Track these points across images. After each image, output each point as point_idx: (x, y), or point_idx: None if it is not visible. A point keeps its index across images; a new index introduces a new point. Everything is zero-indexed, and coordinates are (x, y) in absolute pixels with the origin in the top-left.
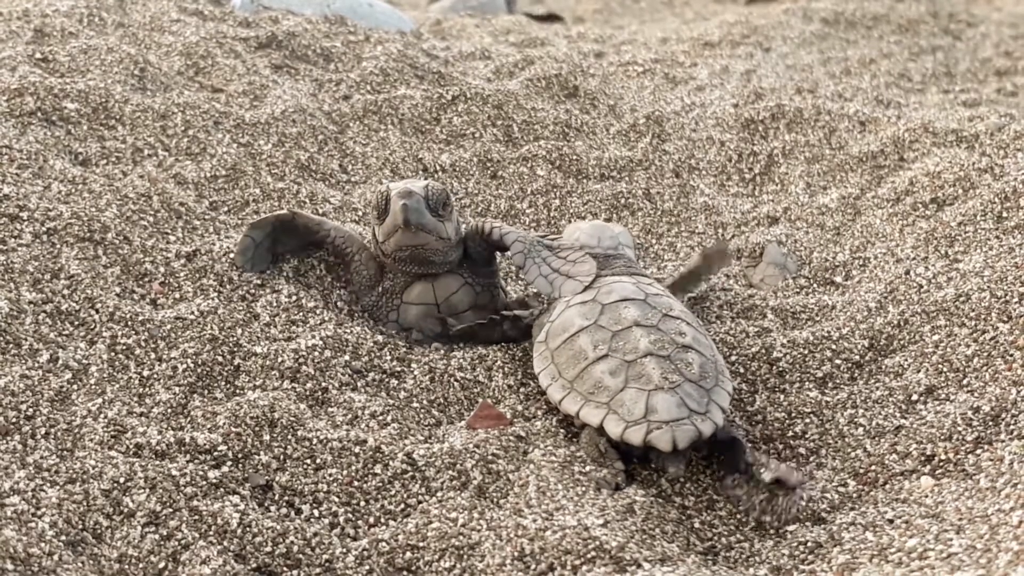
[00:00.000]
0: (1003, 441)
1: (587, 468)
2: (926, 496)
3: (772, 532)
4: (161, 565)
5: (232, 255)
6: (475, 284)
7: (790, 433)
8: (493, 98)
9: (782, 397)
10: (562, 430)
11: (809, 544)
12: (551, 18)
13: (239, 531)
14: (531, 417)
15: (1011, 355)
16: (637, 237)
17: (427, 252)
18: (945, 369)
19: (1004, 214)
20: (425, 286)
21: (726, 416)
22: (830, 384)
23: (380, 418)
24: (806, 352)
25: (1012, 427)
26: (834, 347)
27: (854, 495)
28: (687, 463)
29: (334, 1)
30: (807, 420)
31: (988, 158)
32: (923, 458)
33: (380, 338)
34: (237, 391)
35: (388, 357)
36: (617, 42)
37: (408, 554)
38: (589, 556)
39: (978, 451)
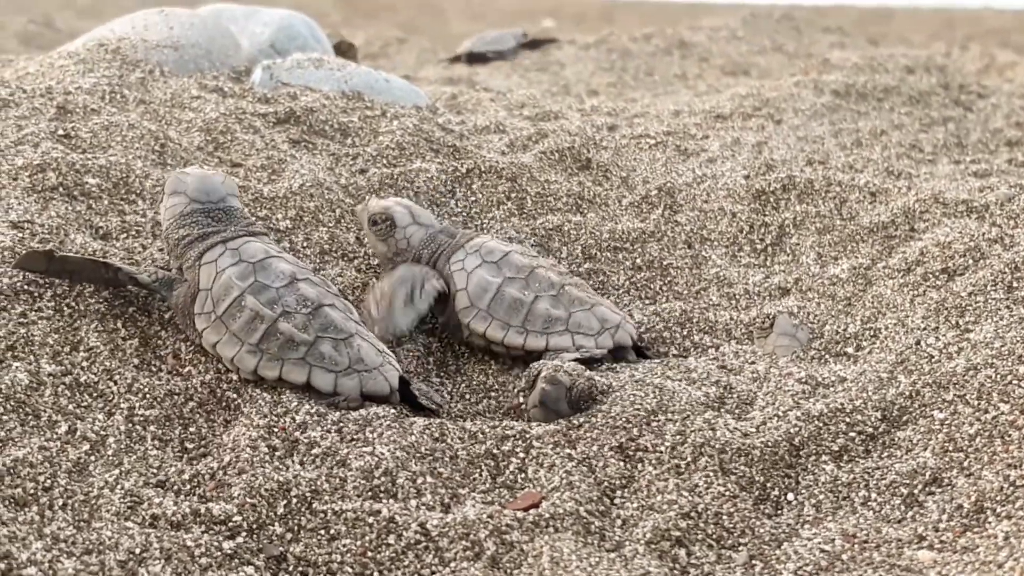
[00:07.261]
0: (991, 523)
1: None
2: (930, 568)
3: None
4: None
5: None
6: None
7: None
8: (507, 171)
9: None
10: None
11: None
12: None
13: None
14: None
15: (1010, 435)
16: (645, 314)
17: None
18: (950, 448)
19: (1014, 284)
20: None
21: None
22: (845, 457)
23: (394, 488)
24: (821, 425)
25: (1000, 511)
26: (848, 420)
27: (844, 556)
28: None
29: (351, 77)
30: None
31: (998, 228)
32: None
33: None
34: None
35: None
36: (630, 115)
37: None
38: None
39: (968, 534)
